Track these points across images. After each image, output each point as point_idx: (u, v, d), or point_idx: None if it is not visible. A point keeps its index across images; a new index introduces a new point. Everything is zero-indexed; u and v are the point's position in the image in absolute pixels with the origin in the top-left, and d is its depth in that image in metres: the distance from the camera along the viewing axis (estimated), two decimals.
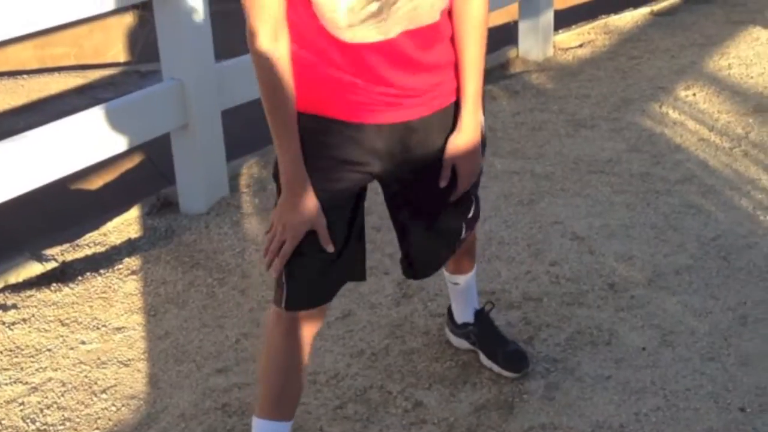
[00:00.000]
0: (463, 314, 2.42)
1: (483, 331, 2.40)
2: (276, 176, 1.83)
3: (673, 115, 3.93)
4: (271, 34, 1.67)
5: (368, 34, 1.69)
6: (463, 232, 2.04)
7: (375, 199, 2.02)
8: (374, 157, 1.82)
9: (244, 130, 3.72)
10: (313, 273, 1.85)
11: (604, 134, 3.81)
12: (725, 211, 3.13)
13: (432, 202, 1.95)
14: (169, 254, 3.01)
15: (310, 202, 1.77)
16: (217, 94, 3.26)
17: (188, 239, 3.10)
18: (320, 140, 1.79)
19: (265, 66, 1.69)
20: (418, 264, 2.06)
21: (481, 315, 2.41)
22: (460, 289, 2.39)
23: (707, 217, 3.10)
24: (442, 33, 1.80)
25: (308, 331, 1.91)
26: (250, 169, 3.54)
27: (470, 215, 2.04)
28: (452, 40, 1.83)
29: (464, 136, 1.88)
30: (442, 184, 1.90)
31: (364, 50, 1.72)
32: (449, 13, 1.81)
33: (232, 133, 3.46)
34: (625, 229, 3.06)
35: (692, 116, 3.91)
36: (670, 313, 2.59)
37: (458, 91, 1.86)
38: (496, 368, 2.38)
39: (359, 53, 1.72)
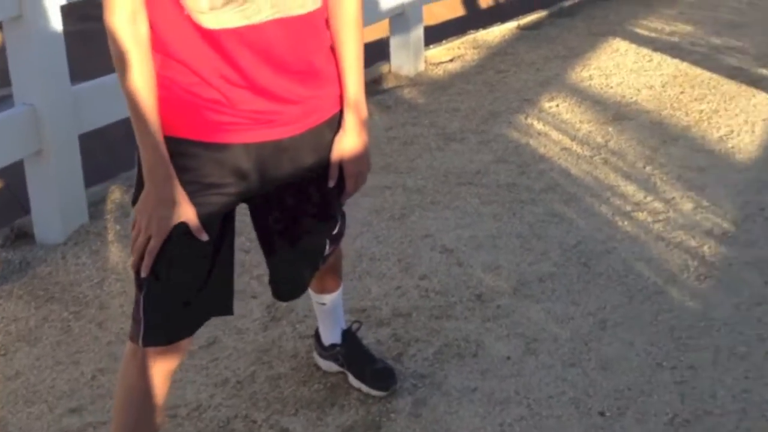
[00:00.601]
0: (331, 335, 2.38)
1: (350, 351, 2.37)
2: (138, 189, 1.74)
3: (538, 126, 4.01)
4: (130, 14, 1.61)
5: (232, 17, 1.63)
6: (327, 248, 2.00)
7: (244, 220, 1.96)
8: (240, 178, 1.76)
9: (105, 154, 3.60)
10: (173, 306, 1.77)
11: (472, 147, 3.85)
12: (586, 218, 3.20)
13: (298, 220, 1.91)
14: (22, 288, 2.86)
15: (175, 191, 1.68)
16: (73, 117, 3.13)
17: (43, 271, 2.96)
18: (180, 164, 1.71)
19: (121, 43, 1.61)
20: (284, 284, 2.01)
21: (348, 335, 2.38)
22: (326, 310, 2.35)
23: (569, 224, 3.16)
24: (317, 35, 1.76)
25: (166, 367, 1.82)
26: (112, 195, 3.42)
27: (335, 231, 2.00)
28: (332, 49, 1.80)
29: (349, 137, 1.85)
30: (331, 184, 1.87)
31: (229, 42, 1.65)
32: (326, 21, 1.78)
33: (92, 158, 3.34)
34: (492, 240, 3.09)
35: (556, 126, 4.00)
36: (533, 321, 2.62)
37: (340, 99, 1.83)
38: (364, 388, 2.35)
39: (225, 47, 1.65)
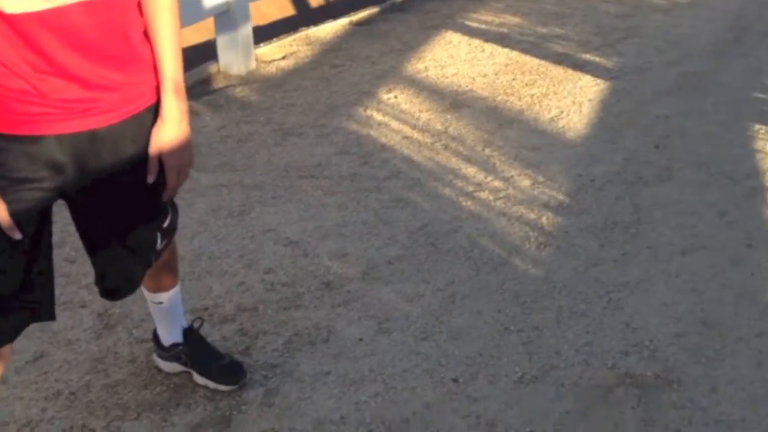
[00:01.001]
0: (171, 335, 2.25)
1: (194, 349, 2.24)
2: None
3: (378, 117, 3.99)
4: None
5: (33, 1, 1.51)
6: (159, 242, 1.89)
7: (68, 230, 1.81)
8: (55, 171, 1.63)
9: None
10: None
11: (312, 140, 3.79)
12: (430, 201, 3.19)
13: (123, 214, 1.79)
14: None
15: None
16: None
17: None
18: None
19: None
20: (114, 283, 1.88)
21: (190, 333, 2.25)
22: (164, 309, 2.21)
23: (414, 208, 3.14)
24: (128, 18, 1.65)
25: None
26: None
27: (165, 225, 1.89)
28: (146, 35, 1.68)
29: (168, 127, 1.73)
30: (150, 179, 1.75)
31: (32, 27, 1.52)
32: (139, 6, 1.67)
33: None
34: (338, 229, 3.03)
35: (395, 117, 3.99)
36: (384, 302, 2.58)
37: (158, 89, 1.72)
38: (211, 384, 2.22)
39: (28, 33, 1.53)
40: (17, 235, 1.60)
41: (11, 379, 2.25)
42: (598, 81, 4.30)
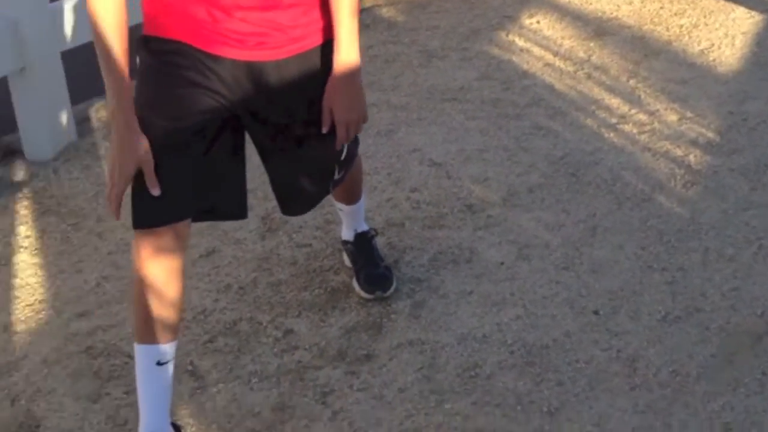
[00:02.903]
0: (346, 232, 2.50)
1: (358, 251, 2.45)
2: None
3: (520, 42, 4.03)
4: None
5: None
6: (336, 173, 2.04)
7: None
8: (228, 89, 1.79)
9: (87, 72, 3.56)
10: (165, 189, 1.78)
11: (455, 64, 3.87)
12: (572, 130, 3.26)
13: (296, 148, 1.93)
14: (16, 203, 2.87)
15: (136, 139, 1.71)
16: (54, 34, 3.10)
17: (37, 186, 2.96)
18: (173, 61, 1.75)
19: None
20: (291, 208, 2.07)
21: (361, 237, 2.46)
22: (343, 214, 2.47)
23: (555, 137, 3.22)
24: None
25: (166, 259, 1.82)
26: (98, 113, 3.41)
27: (342, 157, 2.03)
28: None
29: (339, 81, 1.84)
30: (324, 129, 1.89)
31: None
32: None
33: (74, 77, 3.30)
34: (479, 153, 3.14)
35: (537, 43, 4.02)
36: (525, 229, 2.70)
37: (327, 31, 1.83)
38: (356, 287, 2.42)
39: None
40: (156, 191, 1.75)
41: (188, 271, 2.49)
42: (753, 13, 4.19)
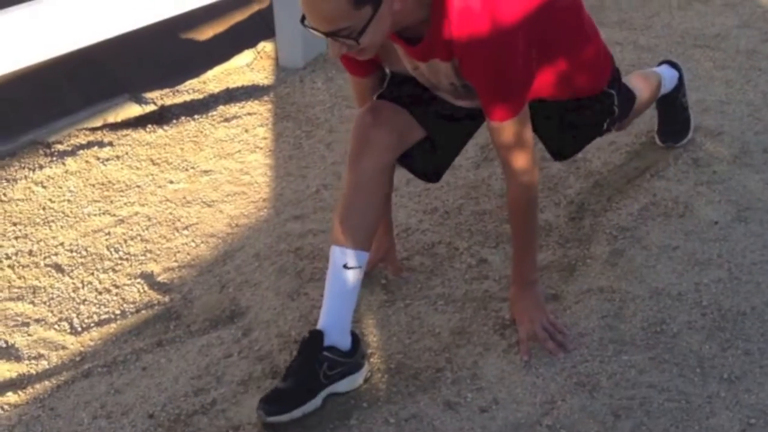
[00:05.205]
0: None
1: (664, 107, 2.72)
2: None
3: None
4: None
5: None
6: (605, 126, 2.21)
7: None
8: None
9: None
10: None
11: (717, 9, 3.65)
12: None
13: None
14: (262, 105, 3.13)
15: None
16: None
17: (282, 92, 3.21)
18: None
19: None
20: (559, 152, 2.26)
21: (667, 98, 2.68)
22: None
23: None
24: None
25: (380, 150, 1.98)
26: None
27: (615, 115, 2.21)
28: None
29: (518, 296, 2.13)
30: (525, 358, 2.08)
31: None
32: None
33: None
34: (719, 105, 2.98)
35: None
36: (749, 190, 2.55)
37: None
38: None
39: None
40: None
41: (401, 189, 2.62)
42: None
